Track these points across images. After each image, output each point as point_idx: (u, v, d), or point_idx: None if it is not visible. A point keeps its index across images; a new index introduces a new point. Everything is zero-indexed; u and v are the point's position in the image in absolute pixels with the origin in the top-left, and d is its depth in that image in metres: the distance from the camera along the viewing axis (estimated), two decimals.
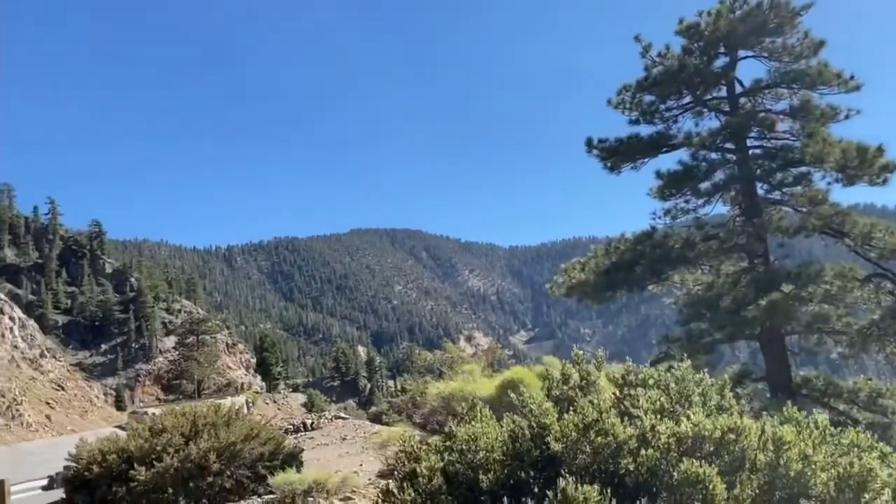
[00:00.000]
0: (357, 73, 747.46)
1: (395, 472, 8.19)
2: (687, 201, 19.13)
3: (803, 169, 17.70)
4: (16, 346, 54.22)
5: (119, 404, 77.40)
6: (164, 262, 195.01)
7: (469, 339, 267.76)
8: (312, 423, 38.54)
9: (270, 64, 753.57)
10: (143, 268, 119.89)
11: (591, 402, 6.09)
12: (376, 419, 45.64)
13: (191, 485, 13.70)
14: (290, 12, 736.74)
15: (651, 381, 6.77)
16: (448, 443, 6.39)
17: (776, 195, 18.56)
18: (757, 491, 5.51)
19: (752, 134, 18.82)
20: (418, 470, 6.24)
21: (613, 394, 6.85)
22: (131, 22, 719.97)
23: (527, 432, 6.00)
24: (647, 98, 19.47)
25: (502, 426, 6.31)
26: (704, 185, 18.83)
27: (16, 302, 70.34)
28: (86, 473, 14.10)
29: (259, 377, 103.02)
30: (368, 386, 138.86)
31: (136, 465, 13.60)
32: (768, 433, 5.87)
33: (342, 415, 47.46)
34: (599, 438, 5.68)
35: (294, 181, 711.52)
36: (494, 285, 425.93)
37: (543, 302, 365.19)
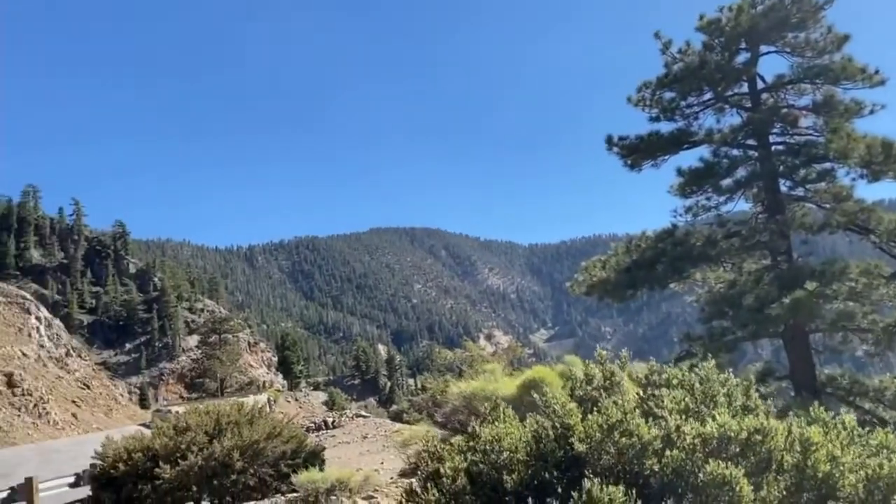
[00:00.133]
0: (376, 73, 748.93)
1: (419, 472, 8.22)
2: (708, 198, 18.95)
3: (827, 165, 17.48)
4: (42, 346, 54.93)
5: (143, 403, 78.12)
6: (187, 262, 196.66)
7: (489, 337, 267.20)
8: (334, 422, 38.78)
9: (296, 63, 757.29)
10: (166, 267, 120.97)
11: (615, 402, 6.06)
12: (397, 418, 45.81)
13: (215, 483, 13.83)
14: (295, 7, 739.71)
15: (675, 381, 6.73)
16: (471, 443, 6.40)
17: (799, 192, 18.34)
18: (784, 492, 5.46)
19: (775, 130, 18.61)
20: (442, 470, 6.25)
21: (637, 394, 6.83)
22: (150, 21, 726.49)
23: (550, 433, 6.00)
24: (668, 95, 19.31)
25: (526, 426, 6.30)
26: (726, 182, 18.64)
27: (42, 302, 71.27)
28: (112, 471, 14.27)
29: (280, 375, 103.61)
30: (389, 384, 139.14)
31: (160, 463, 13.74)
32: (795, 434, 5.82)
33: (363, 413, 47.66)
34: (624, 439, 5.65)
35: (314, 181, 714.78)
36: (514, 283, 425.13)
37: (563, 300, 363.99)
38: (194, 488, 13.67)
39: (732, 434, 5.66)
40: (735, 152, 18.71)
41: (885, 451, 6.08)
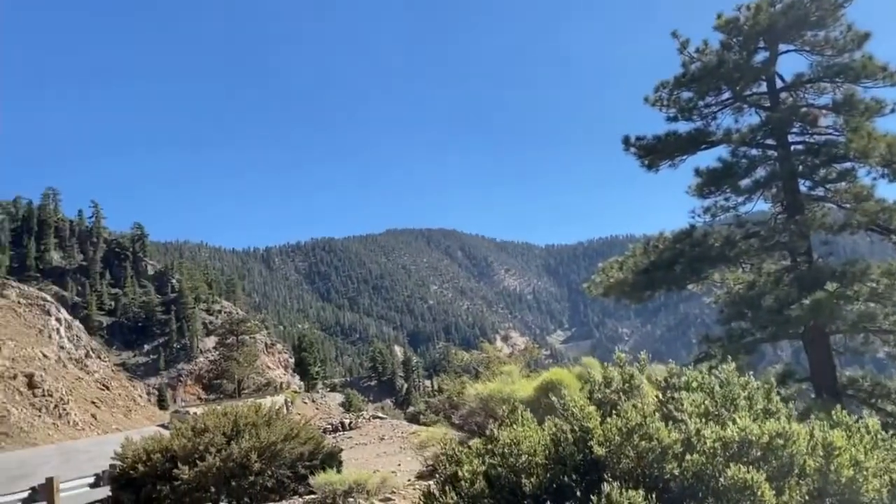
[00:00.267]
0: (390, 75, 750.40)
1: (436, 475, 8.19)
2: (727, 199, 18.80)
3: (847, 164, 17.29)
4: (62, 347, 55.46)
5: (161, 403, 78.75)
6: (205, 264, 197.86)
7: (505, 338, 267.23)
8: (350, 423, 38.82)
9: (307, 66, 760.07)
10: (183, 269, 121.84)
11: (634, 405, 6.02)
12: (413, 419, 45.81)
13: (233, 484, 13.89)
14: (312, 12, 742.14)
15: (695, 384, 6.66)
16: (490, 446, 6.37)
17: (819, 192, 18.16)
18: (806, 497, 5.39)
19: (794, 129, 18.43)
20: (460, 473, 6.22)
21: (656, 397, 6.77)
22: (168, 28, 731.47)
23: (569, 436, 5.95)
24: (686, 95, 19.18)
25: (544, 429, 6.27)
26: (745, 183, 18.49)
27: (62, 303, 71.96)
28: (131, 472, 14.37)
29: (297, 377, 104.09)
30: (405, 386, 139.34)
31: (179, 464, 13.82)
32: (818, 438, 5.74)
33: (380, 415, 47.70)
34: (643, 443, 5.60)
35: (330, 183, 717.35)
36: (531, 285, 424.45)
37: (580, 301, 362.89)
38: (212, 489, 13.74)
39: (754, 438, 5.59)
40: (754, 152, 18.55)
41: None
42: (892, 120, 16.61)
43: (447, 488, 6.44)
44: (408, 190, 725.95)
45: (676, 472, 5.49)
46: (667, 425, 5.84)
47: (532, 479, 5.76)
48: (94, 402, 48.21)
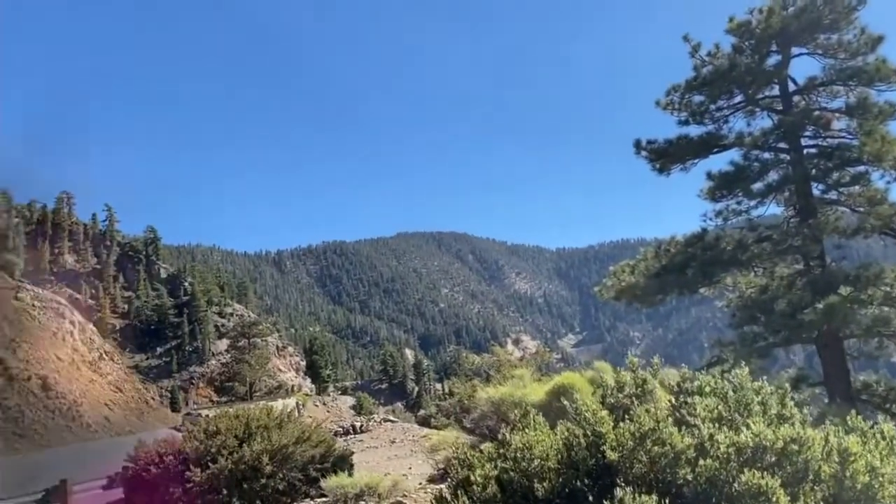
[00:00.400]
0: (399, 77, 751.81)
1: (448, 479, 8.20)
2: (739, 202, 18.73)
3: (861, 168, 17.18)
4: (76, 350, 55.81)
5: (174, 406, 79.03)
6: (217, 267, 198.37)
7: (516, 342, 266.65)
8: (361, 426, 38.89)
9: (316, 68, 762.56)
10: (196, 272, 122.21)
11: (647, 410, 6.01)
12: (424, 423, 45.75)
13: (244, 486, 13.92)
14: (312, 12, 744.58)
15: (708, 389, 6.65)
16: (502, 450, 6.38)
17: (832, 195, 18.05)
18: (822, 503, 5.37)
19: (807, 133, 18.34)
20: (472, 477, 6.23)
21: (669, 401, 6.75)
22: (178, 30, 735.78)
23: (582, 441, 5.95)
24: (697, 98, 19.12)
25: (556, 434, 6.27)
26: (757, 186, 18.41)
27: (75, 306, 72.44)
28: (144, 474, 14.43)
29: (309, 379, 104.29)
30: (416, 389, 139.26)
31: (191, 466, 13.87)
32: (833, 444, 5.71)
33: (391, 418, 47.73)
34: (656, 448, 5.59)
35: (341, 186, 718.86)
36: (542, 288, 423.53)
37: (592, 305, 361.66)
38: (224, 492, 13.77)
39: (768, 443, 5.56)
40: (766, 156, 18.48)
41: None
42: None
43: (459, 492, 6.45)
44: (419, 193, 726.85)
45: (690, 477, 5.47)
46: (680, 430, 5.83)
47: (544, 484, 5.76)
48: (107, 405, 48.50)
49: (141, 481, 14.41)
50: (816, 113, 18.08)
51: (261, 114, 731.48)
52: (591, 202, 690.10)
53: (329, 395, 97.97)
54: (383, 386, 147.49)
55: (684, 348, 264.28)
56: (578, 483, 5.64)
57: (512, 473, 6.02)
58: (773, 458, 5.55)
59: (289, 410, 16.90)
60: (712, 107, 18.92)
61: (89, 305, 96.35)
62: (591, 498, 5.40)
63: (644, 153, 19.29)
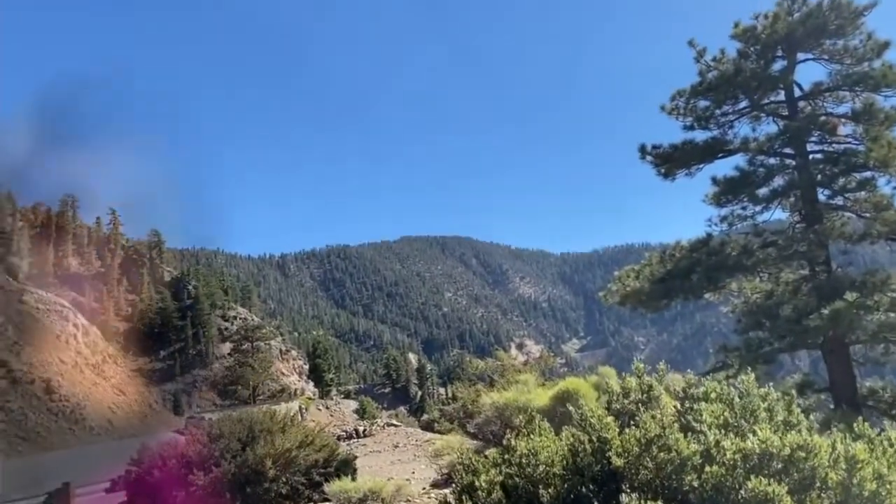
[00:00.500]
0: (403, 81, 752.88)
1: (453, 484, 8.17)
2: (744, 208, 18.66)
3: (867, 174, 17.11)
4: (79, 353, 55.88)
5: (177, 409, 79.06)
6: (220, 271, 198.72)
7: (520, 346, 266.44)
8: (365, 430, 38.88)
9: (321, 70, 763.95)
10: (199, 276, 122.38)
11: (652, 416, 5.97)
12: (428, 427, 45.67)
13: (248, 490, 13.90)
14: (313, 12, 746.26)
15: (714, 395, 6.61)
16: (507, 456, 6.35)
17: (838, 201, 17.98)
18: None
19: (813, 138, 18.27)
20: (477, 483, 6.20)
21: (674, 407, 6.72)
22: (182, 32, 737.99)
23: (587, 446, 5.92)
24: (702, 103, 19.07)
25: (562, 440, 6.24)
26: (762, 191, 18.35)
27: (79, 309, 72.54)
28: (147, 477, 14.42)
29: (312, 383, 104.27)
30: (419, 393, 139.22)
31: (194, 469, 13.85)
32: (840, 451, 5.68)
33: (394, 422, 47.69)
34: (662, 454, 5.56)
35: (346, 190, 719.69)
36: (546, 293, 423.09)
37: (596, 309, 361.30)
38: (228, 495, 13.75)
39: (774, 450, 5.53)
40: (771, 161, 18.41)
41: None
42: None
43: (464, 498, 6.42)
44: (423, 197, 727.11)
45: (696, 483, 5.44)
46: (686, 436, 5.80)
47: (549, 490, 5.72)
48: (110, 408, 48.54)
49: (144, 484, 14.40)
50: (822, 118, 18.02)
51: (263, 115, 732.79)
52: (595, 206, 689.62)
53: (332, 399, 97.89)
54: (386, 390, 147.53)
55: (689, 353, 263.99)
56: (584, 489, 5.61)
57: (517, 479, 5.99)
58: (780, 465, 5.52)
59: (292, 414, 16.87)
60: (717, 112, 18.87)
61: (93, 308, 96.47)
62: None
63: (649, 158, 19.25)
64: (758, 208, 18.53)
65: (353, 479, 14.33)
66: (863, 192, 17.16)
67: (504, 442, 6.79)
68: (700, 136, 19.07)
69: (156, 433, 39.49)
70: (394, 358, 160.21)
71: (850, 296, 14.92)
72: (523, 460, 6.01)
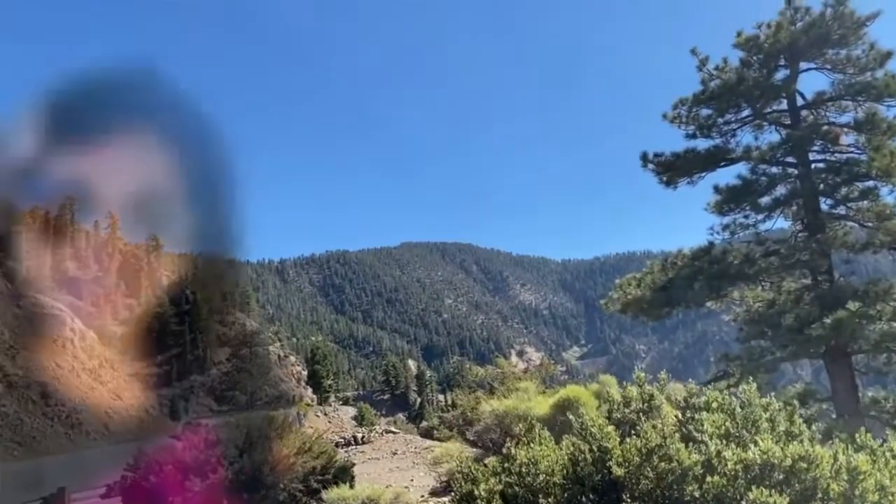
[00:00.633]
0: (403, 86, 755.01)
1: (452, 493, 8.10)
2: (746, 216, 18.65)
3: (870, 183, 17.11)
4: (76, 357, 55.78)
5: (174, 415, 78.86)
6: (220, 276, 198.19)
7: (521, 353, 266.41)
8: (363, 437, 38.75)
9: (320, 75, 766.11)
10: (197, 280, 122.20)
11: (653, 426, 5.91)
12: (427, 434, 45.53)
13: (245, 497, 13.81)
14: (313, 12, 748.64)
15: (715, 405, 6.54)
16: (506, 464, 6.28)
17: (841, 210, 17.97)
18: None
19: (815, 147, 18.27)
20: (476, 492, 6.14)
21: (675, 416, 6.66)
22: (183, 37, 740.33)
23: (588, 456, 5.86)
24: (704, 112, 19.07)
25: (562, 449, 6.17)
26: (765, 200, 18.35)
27: (76, 313, 72.43)
28: (143, 483, 14.32)
29: (310, 389, 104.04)
30: (419, 400, 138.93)
31: (191, 475, 13.76)
32: (842, 462, 5.61)
33: (392, 429, 47.56)
34: (663, 464, 5.50)
35: (346, 195, 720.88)
36: (546, 300, 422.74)
37: (597, 317, 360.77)
38: (224, 502, 13.66)
39: (776, 461, 5.47)
40: (774, 170, 18.41)
41: None
42: None
43: None
44: (424, 203, 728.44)
45: (697, 494, 5.38)
46: (687, 446, 5.74)
47: (549, 500, 5.67)
48: (106, 413, 48.43)
49: (140, 490, 14.29)
50: (825, 128, 18.01)
51: (262, 120, 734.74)
52: (597, 213, 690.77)
53: (330, 406, 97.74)
54: (385, 397, 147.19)
55: (690, 362, 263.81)
56: (584, 499, 5.55)
57: (516, 488, 5.93)
58: (782, 476, 5.46)
59: (290, 421, 16.79)
60: (720, 120, 18.86)
61: (90, 313, 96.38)
62: None
63: (651, 166, 19.23)
64: (760, 217, 18.53)
65: (352, 487, 14.25)
66: (865, 202, 17.16)
67: (504, 450, 6.73)
68: (702, 144, 19.08)
69: (152, 438, 39.38)
70: (393, 364, 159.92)
71: (853, 305, 14.88)
72: (523, 469, 5.95)
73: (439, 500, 12.74)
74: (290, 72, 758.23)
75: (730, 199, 18.29)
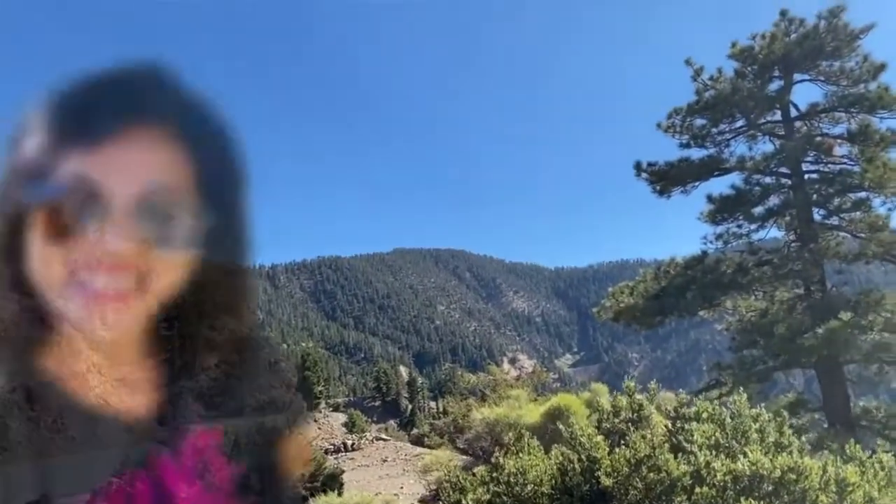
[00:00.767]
0: (403, 91, 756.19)
1: (441, 501, 8.03)
2: (739, 226, 18.71)
3: (862, 194, 17.17)
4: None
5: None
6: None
7: (513, 361, 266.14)
8: (353, 444, 38.53)
9: (315, 80, 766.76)
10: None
11: (643, 436, 5.86)
12: (418, 442, 45.30)
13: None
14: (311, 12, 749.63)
15: (705, 415, 6.50)
16: (495, 474, 6.22)
17: (833, 220, 18.02)
18: None
19: (809, 158, 18.32)
20: (464, 501, 6.07)
21: (665, 427, 6.61)
22: (180, 41, 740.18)
23: (577, 466, 5.80)
24: (699, 122, 19.12)
25: (551, 458, 6.12)
26: (758, 210, 18.40)
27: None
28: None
29: (300, 395, 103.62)
30: (410, 407, 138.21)
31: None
32: (831, 474, 5.57)
33: (383, 436, 47.32)
34: (652, 474, 5.45)
35: (338, 201, 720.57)
36: (539, 307, 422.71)
37: (589, 325, 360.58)
38: None
39: (765, 472, 5.43)
40: (767, 180, 18.45)
41: None
42: None
43: None
44: (417, 209, 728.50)
45: None
46: (676, 457, 5.69)
47: None
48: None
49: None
50: (818, 139, 18.07)
51: (255, 123, 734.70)
52: (590, 221, 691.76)
53: (320, 412, 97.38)
54: (376, 403, 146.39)
55: (682, 370, 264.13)
56: None
57: (505, 498, 5.86)
58: (771, 488, 5.41)
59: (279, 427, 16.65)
60: (714, 130, 18.91)
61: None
62: None
63: (644, 175, 19.25)
64: (753, 227, 18.58)
65: (340, 494, 14.14)
66: (858, 213, 17.22)
67: (493, 459, 6.66)
68: (696, 154, 19.14)
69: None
70: (384, 371, 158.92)
71: (845, 315, 14.91)
72: (511, 479, 5.88)
73: None
74: (284, 73, 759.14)
75: (723, 209, 18.32)
